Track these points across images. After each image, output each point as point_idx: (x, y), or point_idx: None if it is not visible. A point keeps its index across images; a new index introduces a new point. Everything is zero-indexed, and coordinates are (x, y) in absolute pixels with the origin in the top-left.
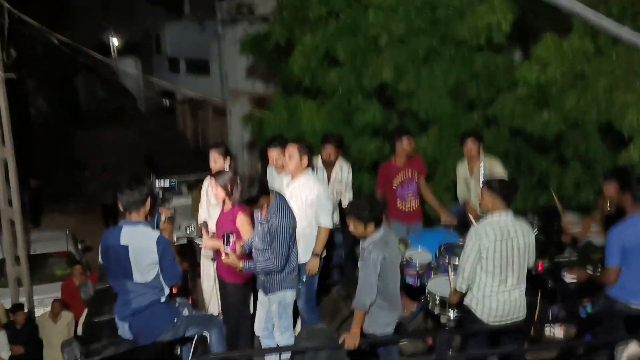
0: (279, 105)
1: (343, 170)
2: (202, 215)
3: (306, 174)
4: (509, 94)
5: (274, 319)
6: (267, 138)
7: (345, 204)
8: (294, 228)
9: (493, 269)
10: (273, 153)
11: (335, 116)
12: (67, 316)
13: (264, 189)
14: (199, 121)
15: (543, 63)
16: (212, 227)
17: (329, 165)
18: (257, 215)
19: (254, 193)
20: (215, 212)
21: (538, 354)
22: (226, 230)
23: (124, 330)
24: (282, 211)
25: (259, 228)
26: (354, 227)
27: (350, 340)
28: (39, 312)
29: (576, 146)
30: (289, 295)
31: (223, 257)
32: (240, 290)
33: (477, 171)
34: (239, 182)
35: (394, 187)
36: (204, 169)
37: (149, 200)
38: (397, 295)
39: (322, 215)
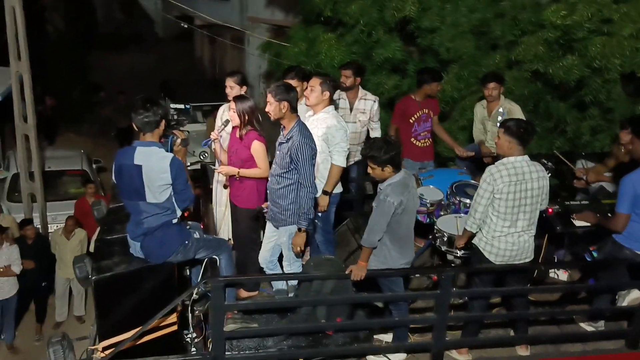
0: (298, 36)
1: (367, 101)
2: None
3: (327, 110)
4: (534, 36)
5: (283, 250)
6: (284, 68)
7: (373, 136)
8: (315, 152)
9: (505, 210)
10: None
11: (354, 49)
12: (80, 233)
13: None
14: (216, 48)
15: (571, 5)
16: (224, 156)
17: (348, 92)
18: (279, 137)
19: None
20: (227, 140)
21: (541, 296)
22: (240, 155)
23: (135, 249)
24: (304, 131)
25: (279, 150)
26: (371, 169)
27: (357, 271)
28: (51, 228)
29: (596, 92)
30: None
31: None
32: (253, 217)
33: (495, 113)
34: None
35: (410, 123)
36: (220, 97)
37: (163, 122)
38: (410, 240)
39: (335, 153)
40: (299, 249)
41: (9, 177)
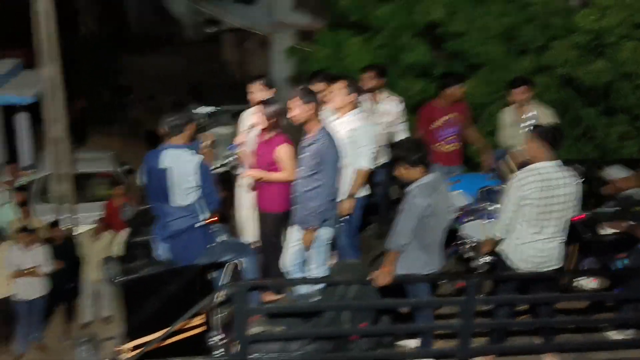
0: (324, 40)
1: (391, 103)
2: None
3: (352, 112)
4: (564, 40)
5: (308, 253)
6: (311, 72)
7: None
8: (340, 154)
9: (533, 217)
10: (315, 88)
11: (381, 54)
12: (108, 235)
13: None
14: (243, 52)
15: (602, 10)
16: (251, 160)
17: (371, 94)
18: (304, 141)
19: None
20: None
21: (568, 303)
22: (266, 159)
23: (161, 251)
24: (329, 136)
25: (304, 153)
26: (400, 170)
27: (381, 277)
28: (80, 229)
29: (625, 98)
30: (325, 232)
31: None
32: (278, 220)
33: (525, 117)
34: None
35: (435, 128)
36: (247, 101)
37: (191, 125)
38: (437, 247)
39: (361, 156)
40: (307, 245)
41: (39, 178)
